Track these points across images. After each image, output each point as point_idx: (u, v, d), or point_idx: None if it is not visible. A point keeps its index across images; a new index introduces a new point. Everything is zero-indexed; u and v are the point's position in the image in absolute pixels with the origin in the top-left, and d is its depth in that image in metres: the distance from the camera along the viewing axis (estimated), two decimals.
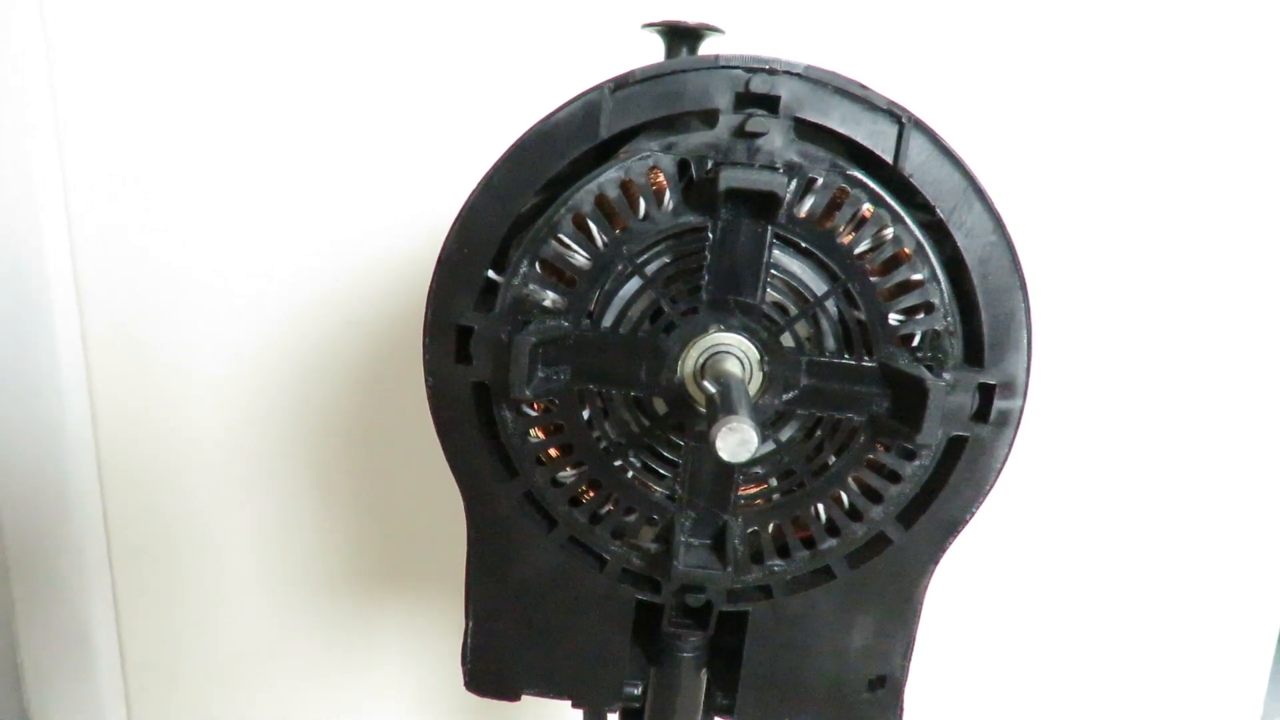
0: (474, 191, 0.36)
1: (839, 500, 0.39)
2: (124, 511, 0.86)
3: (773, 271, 0.36)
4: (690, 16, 0.43)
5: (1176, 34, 0.70)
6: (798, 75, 0.34)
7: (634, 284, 0.37)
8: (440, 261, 0.36)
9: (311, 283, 0.78)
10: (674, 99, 0.34)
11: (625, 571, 0.41)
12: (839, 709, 0.42)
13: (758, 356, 0.36)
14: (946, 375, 0.36)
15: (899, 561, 0.39)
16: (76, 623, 0.87)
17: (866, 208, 0.35)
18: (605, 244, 0.35)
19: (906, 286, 0.36)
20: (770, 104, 0.34)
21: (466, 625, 0.43)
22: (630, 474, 0.39)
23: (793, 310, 0.36)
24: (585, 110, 0.34)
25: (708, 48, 0.42)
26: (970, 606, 0.85)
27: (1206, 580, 0.85)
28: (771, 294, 0.36)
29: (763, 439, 0.34)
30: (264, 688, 0.92)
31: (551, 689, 0.44)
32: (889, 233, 0.35)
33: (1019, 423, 0.37)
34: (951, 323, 0.36)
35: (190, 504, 0.85)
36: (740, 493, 0.39)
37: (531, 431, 0.38)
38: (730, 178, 0.33)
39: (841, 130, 0.34)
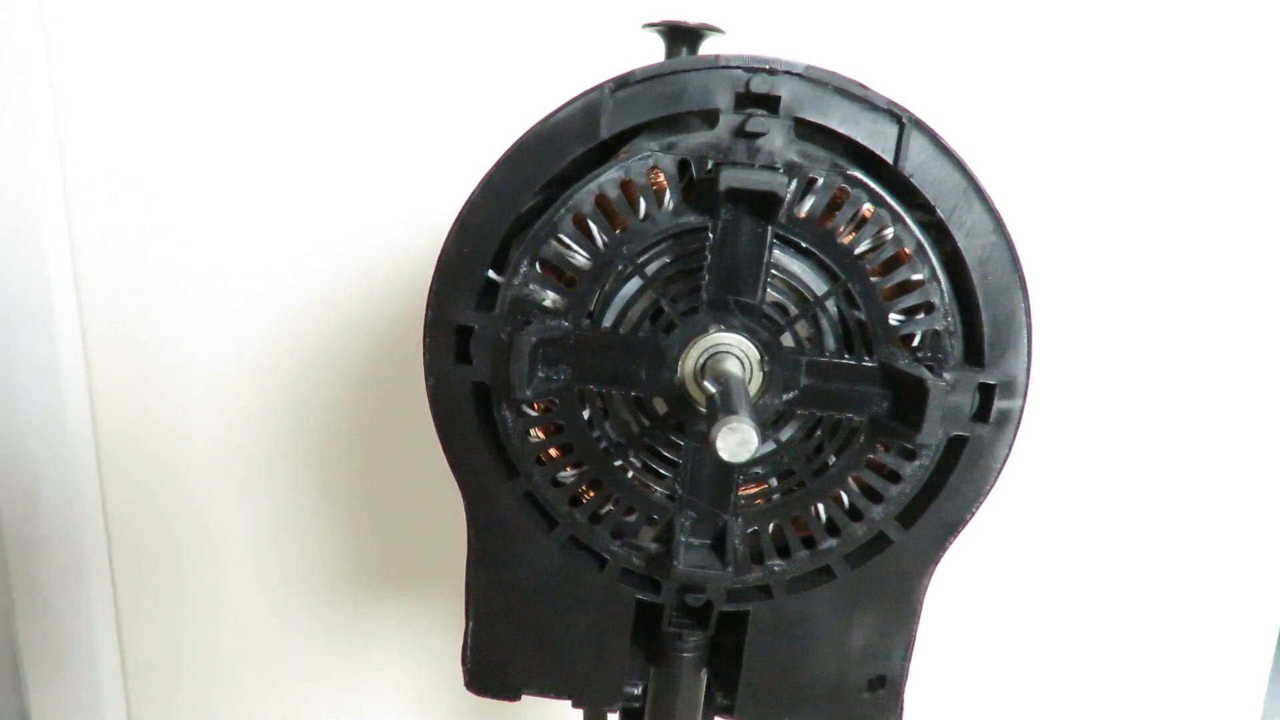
0: (474, 191, 0.36)
1: (839, 500, 0.39)
2: (124, 511, 0.86)
3: (773, 271, 0.36)
4: (690, 16, 0.43)
5: (1176, 34, 0.70)
6: (798, 75, 0.34)
7: (634, 284, 0.37)
8: (440, 261, 0.36)
9: (311, 283, 0.78)
10: (674, 99, 0.34)
11: (625, 571, 0.41)
12: (839, 709, 0.42)
13: (758, 356, 0.36)
14: (946, 375, 0.36)
15: (899, 561, 0.39)
16: (76, 623, 0.87)
17: (866, 208, 0.35)
18: (605, 244, 0.35)
19: (906, 286, 0.36)
20: (770, 104, 0.34)
21: (466, 625, 0.43)
22: (630, 474, 0.39)
23: (793, 310, 0.36)
24: (585, 110, 0.34)
25: (708, 48, 0.42)
26: (970, 606, 0.85)
27: (1206, 580, 0.85)
28: (772, 294, 0.36)
29: (763, 439, 0.34)
30: (264, 688, 0.92)
31: (551, 689, 0.44)
32: (889, 233, 0.35)
33: (1019, 423, 0.37)
34: (951, 323, 0.36)
35: (190, 504, 0.85)
36: (740, 493, 0.39)
37: (531, 431, 0.38)
38: (730, 178, 0.33)
39: (841, 130, 0.34)
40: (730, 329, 0.36)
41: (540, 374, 0.35)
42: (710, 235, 0.35)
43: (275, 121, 0.73)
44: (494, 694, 0.44)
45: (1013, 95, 0.71)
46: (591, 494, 0.39)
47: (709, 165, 0.34)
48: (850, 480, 0.38)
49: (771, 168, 0.34)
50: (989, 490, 0.38)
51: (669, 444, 0.39)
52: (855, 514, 0.38)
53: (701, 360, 0.36)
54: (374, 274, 0.77)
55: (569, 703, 0.44)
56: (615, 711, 0.46)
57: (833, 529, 0.39)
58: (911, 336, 0.36)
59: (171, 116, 0.74)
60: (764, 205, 0.34)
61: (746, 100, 0.34)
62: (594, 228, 0.35)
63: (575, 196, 0.35)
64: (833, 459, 0.38)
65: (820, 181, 0.34)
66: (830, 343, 0.37)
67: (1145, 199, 0.74)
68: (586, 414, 0.38)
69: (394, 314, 0.78)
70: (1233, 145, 0.73)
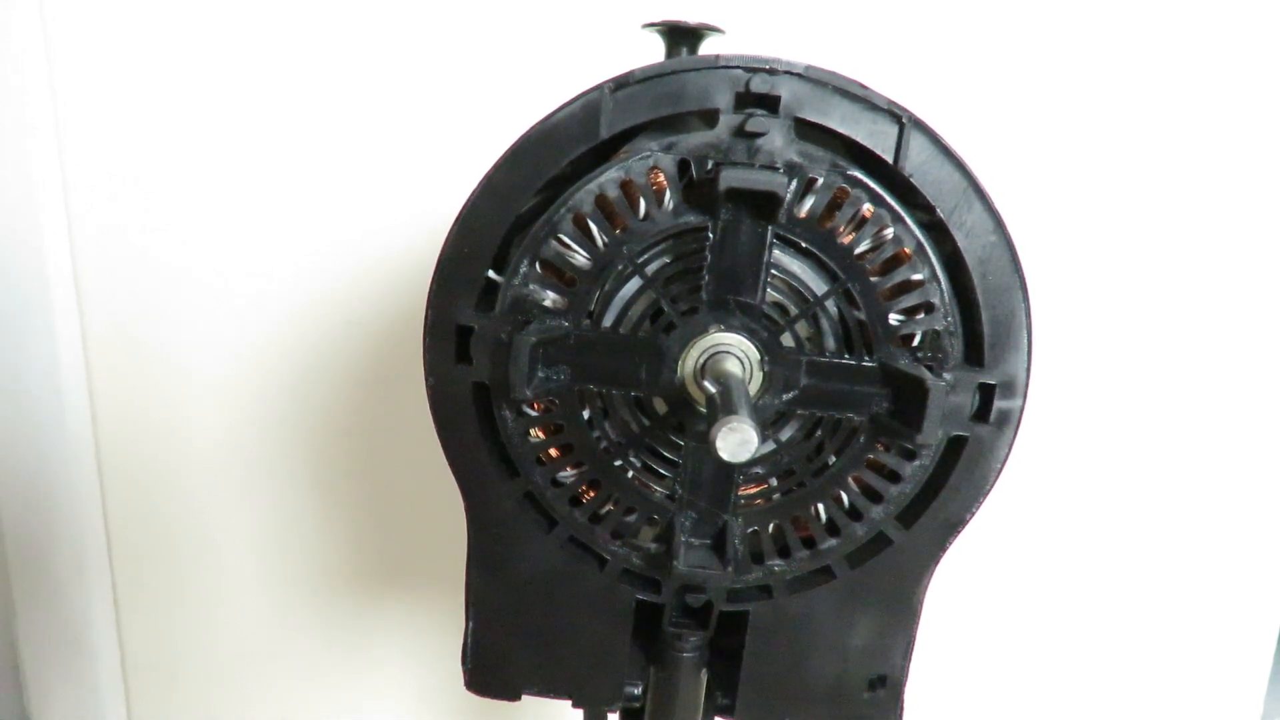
0: (474, 191, 0.36)
1: (839, 500, 0.39)
2: (124, 511, 0.86)
3: (773, 271, 0.36)
4: (690, 16, 0.43)
5: (1176, 34, 0.70)
6: (798, 75, 0.34)
7: (634, 284, 0.37)
8: (440, 261, 0.36)
9: (311, 283, 0.78)
10: (674, 99, 0.34)
11: (625, 571, 0.41)
12: (839, 709, 0.42)
13: (758, 356, 0.36)
14: (946, 375, 0.36)
15: (899, 561, 0.39)
16: (76, 623, 0.87)
17: (866, 208, 0.35)
18: (605, 244, 0.35)
19: (906, 286, 0.36)
20: (770, 104, 0.34)
21: (466, 625, 0.43)
22: (630, 474, 0.39)
23: (793, 310, 0.36)
24: (585, 110, 0.34)
25: (708, 48, 0.42)
26: (970, 606, 0.85)
27: (1206, 580, 0.85)
28: (771, 294, 0.36)
29: (763, 439, 0.34)
30: (264, 688, 0.92)
31: (551, 689, 0.44)
32: (889, 233, 0.35)
33: (1019, 423, 0.37)
34: (951, 323, 0.36)
35: (190, 504, 0.85)
36: (740, 493, 0.39)
37: (531, 431, 0.38)
38: (730, 178, 0.33)
39: (842, 130, 0.34)
40: (730, 329, 0.36)
41: (540, 374, 0.35)
42: (710, 235, 0.35)
43: (275, 121, 0.73)
44: (494, 694, 0.44)
45: (1013, 95, 0.71)
46: (591, 494, 0.39)
47: (709, 165, 0.34)
48: (850, 480, 0.38)
49: (771, 168, 0.34)
50: (989, 490, 0.38)
51: (669, 444, 0.39)
52: (855, 514, 0.38)
53: (701, 360, 0.36)
54: (374, 274, 0.77)
55: (569, 703, 0.44)
56: (615, 711, 0.46)
57: (833, 529, 0.39)
58: (911, 336, 0.36)
59: (171, 116, 0.74)
60: (764, 205, 0.34)
61: (746, 100, 0.34)
62: (594, 228, 0.35)
63: (575, 196, 0.35)
64: (833, 459, 0.38)
65: (820, 181, 0.34)
66: (830, 343, 0.37)
67: (1145, 199, 0.74)
68: (586, 414, 0.38)
69: (394, 314, 0.78)
70: (1233, 145, 0.73)
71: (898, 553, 0.39)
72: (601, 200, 0.35)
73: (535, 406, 0.38)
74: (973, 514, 0.38)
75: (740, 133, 0.34)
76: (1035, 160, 0.72)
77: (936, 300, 0.35)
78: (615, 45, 0.69)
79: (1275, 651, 0.89)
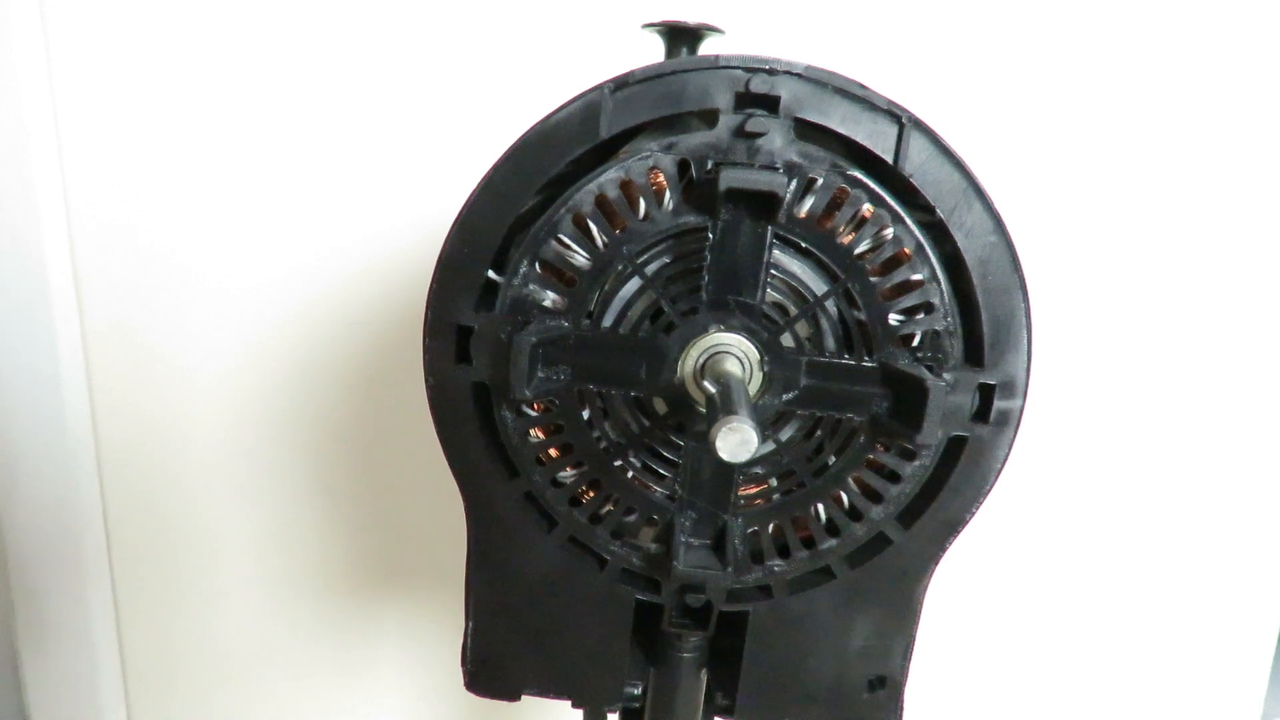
0: (474, 191, 0.36)
1: (839, 500, 0.39)
2: (124, 511, 0.86)
3: (773, 271, 0.36)
4: (690, 16, 0.43)
5: (1176, 34, 0.70)
6: (798, 75, 0.34)
7: (634, 284, 0.37)
8: (440, 262, 0.36)
9: (312, 283, 0.78)
10: (674, 99, 0.34)
11: (625, 571, 0.41)
12: (839, 709, 0.42)
13: (758, 356, 0.36)
14: (946, 375, 0.36)
15: (899, 561, 0.39)
16: (76, 623, 0.87)
17: (866, 208, 0.35)
18: (605, 244, 0.35)
19: (906, 286, 0.36)
20: (770, 104, 0.34)
21: (466, 625, 0.43)
22: (630, 474, 0.39)
23: (793, 310, 0.36)
24: (585, 110, 0.34)
25: (708, 48, 0.42)
26: (970, 606, 0.85)
27: (1206, 580, 0.85)
28: (771, 294, 0.36)
29: (763, 439, 0.34)
30: (264, 688, 0.92)
31: (551, 689, 0.44)
32: (889, 233, 0.35)
33: (1019, 423, 0.37)
34: (951, 323, 0.36)
35: (190, 504, 0.85)
36: (740, 493, 0.39)
37: (531, 432, 0.38)
38: (730, 178, 0.33)
39: (841, 130, 0.34)
40: (730, 329, 0.36)
41: (540, 374, 0.35)
42: (710, 235, 0.35)
43: (275, 121, 0.73)
44: (494, 694, 0.44)
45: (1013, 95, 0.71)
46: (591, 494, 0.39)
47: (709, 165, 0.34)
48: (850, 480, 0.38)
49: (771, 168, 0.34)
50: (989, 490, 0.38)
51: (669, 444, 0.39)
52: (855, 514, 0.38)
53: (701, 360, 0.36)
54: (374, 274, 0.77)
55: (569, 703, 0.44)
56: (615, 711, 0.46)
57: (833, 529, 0.39)
58: (911, 336, 0.36)
59: (171, 116, 0.74)
60: (764, 205, 0.34)
61: (746, 100, 0.34)
62: (594, 228, 0.35)
63: (575, 196, 0.35)
64: (833, 459, 0.38)
65: (820, 181, 0.34)
66: (830, 343, 0.37)
67: (1145, 199, 0.74)
68: (586, 414, 0.38)
69: (394, 314, 0.78)
70: (1233, 145, 0.73)
71: (898, 553, 0.39)
72: (601, 200, 0.35)
73: (535, 406, 0.38)
74: (973, 514, 0.38)
75: (740, 133, 0.34)
76: (1035, 160, 0.72)
77: (936, 300, 0.35)
78: (615, 45, 0.69)
79: (1275, 651, 0.89)
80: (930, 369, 0.35)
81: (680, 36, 0.42)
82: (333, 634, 0.90)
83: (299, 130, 0.73)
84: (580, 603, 0.41)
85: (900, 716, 0.43)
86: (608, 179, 0.35)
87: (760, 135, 0.34)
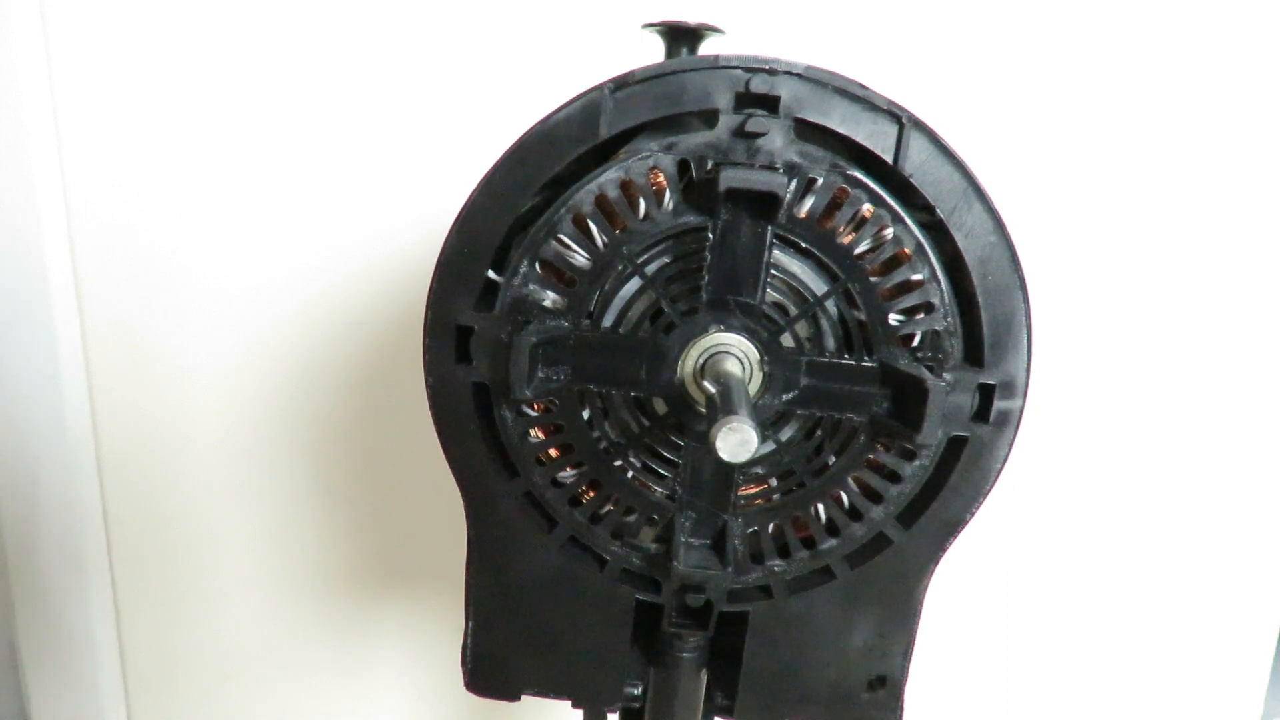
0: (474, 191, 0.36)
1: (839, 500, 0.39)
2: (124, 511, 0.86)
3: (773, 271, 0.36)
4: (690, 16, 0.43)
5: (1176, 34, 0.70)
6: (798, 75, 0.34)
7: (634, 284, 0.37)
8: (440, 262, 0.36)
9: (312, 283, 0.78)
10: (674, 99, 0.34)
11: (625, 571, 0.41)
12: (839, 709, 0.42)
13: (758, 356, 0.36)
14: (946, 375, 0.36)
15: (899, 561, 0.39)
16: (76, 623, 0.87)
17: (866, 208, 0.35)
18: (605, 244, 0.35)
19: (906, 286, 0.36)
20: (770, 104, 0.34)
21: (466, 625, 0.43)
22: (630, 474, 0.39)
23: (793, 310, 0.36)
24: (585, 110, 0.34)
25: (708, 48, 0.42)
26: (970, 606, 0.85)
27: (1206, 580, 0.85)
28: (771, 294, 0.36)
29: (763, 439, 0.34)
30: (264, 688, 0.92)
31: (551, 689, 0.44)
32: (889, 233, 0.35)
33: (1019, 423, 0.37)
34: (951, 323, 0.36)
35: (190, 504, 0.85)
36: (740, 493, 0.39)
37: (531, 431, 0.38)
38: (730, 178, 0.33)
39: (841, 130, 0.34)
40: (730, 329, 0.36)
41: (540, 374, 0.35)
42: (710, 235, 0.35)
43: (276, 121, 0.73)
44: (494, 694, 0.44)
45: (1013, 95, 0.71)
46: (591, 494, 0.39)
47: (709, 165, 0.34)
48: (850, 480, 0.38)
49: (771, 168, 0.34)
50: (989, 490, 0.38)
51: (669, 444, 0.39)
52: (855, 514, 0.38)
53: (701, 360, 0.36)
54: (374, 274, 0.77)
55: (569, 703, 0.44)
56: (615, 711, 0.46)
57: (833, 529, 0.39)
58: (911, 336, 0.36)
59: (171, 117, 0.74)
60: (764, 205, 0.34)
61: (746, 100, 0.34)
62: (594, 228, 0.35)
63: (575, 196, 0.35)
64: (833, 459, 0.38)
65: (820, 181, 0.34)
66: (830, 343, 0.37)
67: (1145, 199, 0.74)
68: (586, 414, 0.38)
69: (394, 314, 0.78)
70: (1233, 145, 0.73)
71: (898, 553, 0.39)
72: (601, 200, 0.35)
73: (535, 406, 0.38)
74: (973, 514, 0.38)
75: (740, 133, 0.34)
76: (1035, 160, 0.72)
77: (936, 300, 0.35)
78: (615, 45, 0.69)
79: (1275, 651, 0.89)
80: (930, 369, 0.35)
81: (680, 36, 0.42)
82: (333, 634, 0.90)
83: (299, 130, 0.73)
84: (580, 603, 0.41)
85: (900, 716, 0.43)
86: (608, 179, 0.35)
87: (760, 135, 0.34)
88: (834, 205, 0.35)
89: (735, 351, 0.36)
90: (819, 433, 0.38)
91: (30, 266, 0.76)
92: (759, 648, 0.42)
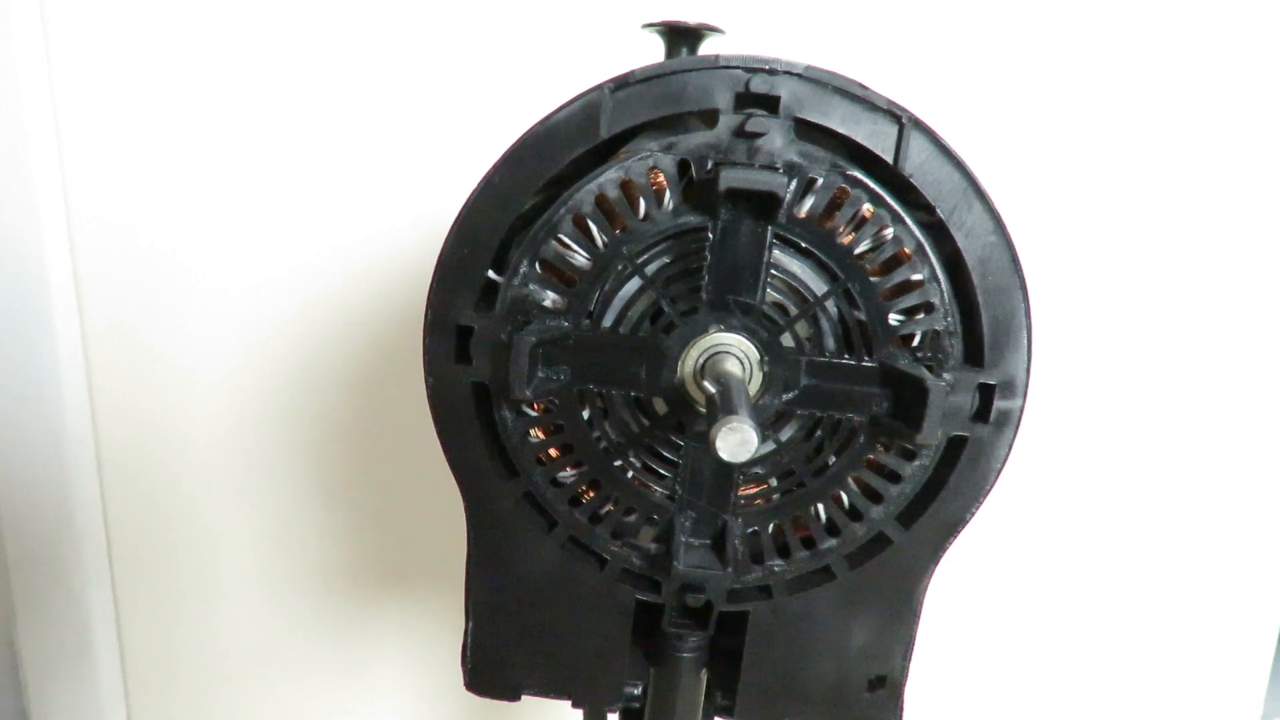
0: (474, 191, 0.36)
1: (839, 500, 0.39)
2: (124, 512, 0.86)
3: (773, 271, 0.36)
4: (690, 16, 0.43)
5: (1176, 34, 0.70)
6: (798, 75, 0.34)
7: (634, 284, 0.37)
8: (440, 262, 0.36)
9: (312, 283, 0.78)
10: (674, 99, 0.34)
11: (625, 571, 0.41)
12: (839, 709, 0.42)
13: (758, 356, 0.36)
14: (946, 375, 0.36)
15: (899, 561, 0.39)
16: (76, 623, 0.87)
17: (866, 208, 0.35)
18: (605, 244, 0.35)
19: (906, 286, 0.36)
20: (770, 104, 0.34)
21: (466, 625, 0.43)
22: (630, 474, 0.39)
23: (793, 310, 0.36)
24: (585, 110, 0.34)
25: (708, 48, 0.42)
26: (970, 606, 0.85)
27: (1206, 580, 0.85)
28: (771, 294, 0.36)
29: (763, 439, 0.34)
30: (264, 688, 0.92)
31: (551, 689, 0.44)
32: (889, 233, 0.35)
33: (1019, 423, 0.37)
34: (951, 323, 0.36)
35: (190, 504, 0.85)
36: (740, 493, 0.39)
37: (531, 431, 0.38)
38: (730, 178, 0.33)
39: (841, 130, 0.34)
40: (730, 329, 0.36)
41: (540, 374, 0.35)
42: (710, 235, 0.35)
43: (276, 121, 0.73)
44: (494, 694, 0.44)
45: (1013, 95, 0.71)
46: (591, 494, 0.39)
47: (709, 165, 0.34)
48: (850, 480, 0.38)
49: (771, 168, 0.34)
50: (989, 490, 0.38)
51: (669, 444, 0.39)
52: (855, 514, 0.38)
53: (701, 360, 0.36)
54: (374, 274, 0.77)
55: (569, 703, 0.44)
56: (615, 711, 0.46)
57: (833, 529, 0.39)
58: (911, 336, 0.36)
59: (171, 117, 0.74)
60: (764, 205, 0.34)
61: (746, 100, 0.34)
62: (594, 228, 0.35)
63: (575, 196, 0.35)
64: (832, 459, 0.38)
65: (820, 181, 0.34)
66: (830, 343, 0.37)
67: (1145, 199, 0.74)
68: (586, 414, 0.38)
69: (394, 314, 0.78)
70: (1233, 145, 0.73)
71: (897, 553, 0.39)
72: (601, 200, 0.35)
73: (535, 406, 0.38)
74: (973, 514, 0.38)
75: (740, 133, 0.34)
76: (1035, 160, 0.72)
77: (936, 300, 0.35)
78: (615, 45, 0.69)
79: (1275, 651, 0.89)
80: (930, 369, 0.35)
81: (680, 36, 0.42)
82: (333, 634, 0.90)
83: (299, 130, 0.73)
84: (580, 603, 0.41)
85: (900, 716, 0.43)
86: (608, 179, 0.35)
87: (760, 135, 0.34)
88: (834, 205, 0.35)
89: (735, 351, 0.36)
90: (819, 433, 0.38)
91: (30, 266, 0.76)
92: (759, 648, 0.42)
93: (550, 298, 0.36)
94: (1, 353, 0.80)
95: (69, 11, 0.72)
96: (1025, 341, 0.36)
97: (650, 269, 0.36)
